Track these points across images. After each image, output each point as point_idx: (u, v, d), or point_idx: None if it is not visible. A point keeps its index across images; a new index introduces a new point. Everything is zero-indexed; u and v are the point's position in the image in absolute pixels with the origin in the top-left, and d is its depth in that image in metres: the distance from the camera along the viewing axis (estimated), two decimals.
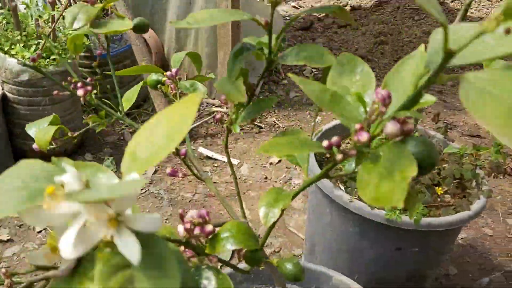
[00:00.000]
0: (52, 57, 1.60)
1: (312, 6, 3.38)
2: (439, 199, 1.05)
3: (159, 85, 0.65)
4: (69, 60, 1.62)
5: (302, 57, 0.45)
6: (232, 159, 1.83)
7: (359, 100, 0.35)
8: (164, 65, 2.41)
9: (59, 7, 1.71)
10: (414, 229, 0.94)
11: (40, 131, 0.62)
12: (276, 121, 2.09)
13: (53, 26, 1.54)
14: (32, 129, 0.64)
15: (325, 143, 0.33)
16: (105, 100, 1.94)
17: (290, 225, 1.52)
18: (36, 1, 1.75)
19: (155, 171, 1.74)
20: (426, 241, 1.01)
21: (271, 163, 1.82)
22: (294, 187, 1.69)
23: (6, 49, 1.58)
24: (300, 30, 2.92)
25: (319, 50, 0.46)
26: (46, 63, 1.57)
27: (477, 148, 1.12)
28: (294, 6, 3.44)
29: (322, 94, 0.35)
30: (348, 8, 3.02)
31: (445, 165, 1.11)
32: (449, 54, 0.28)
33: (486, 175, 1.05)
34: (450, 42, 0.28)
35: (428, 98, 0.34)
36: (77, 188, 0.25)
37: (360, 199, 0.99)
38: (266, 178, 1.74)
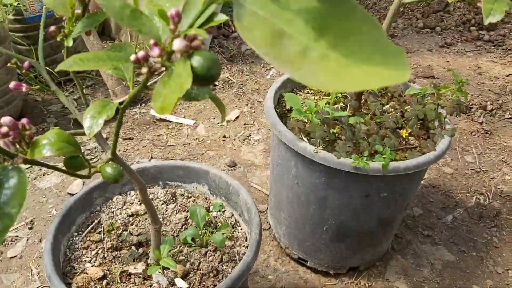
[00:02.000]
0: None
1: None
2: (404, 142, 1.02)
3: None
4: None
5: None
6: (187, 120, 1.75)
7: (161, 17, 0.35)
8: (104, 25, 2.26)
9: None
10: (383, 175, 0.92)
11: None
12: (229, 76, 2.01)
13: None
14: None
15: (132, 57, 0.35)
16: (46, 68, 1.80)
17: (253, 182, 1.48)
18: None
19: (106, 138, 1.65)
20: (394, 185, 0.99)
21: (228, 121, 1.75)
22: (253, 143, 1.64)
23: None
24: None
25: None
26: None
27: (438, 88, 1.10)
28: None
29: (122, 10, 0.37)
30: None
31: (407, 107, 1.08)
32: None
33: (448, 114, 1.03)
34: None
35: (222, 18, 0.35)
36: None
37: (325, 150, 0.96)
38: (224, 136, 1.67)
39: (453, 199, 1.43)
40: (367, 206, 1.02)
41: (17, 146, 0.41)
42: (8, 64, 0.59)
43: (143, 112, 1.79)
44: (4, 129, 0.39)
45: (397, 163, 0.92)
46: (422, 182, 1.49)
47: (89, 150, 1.57)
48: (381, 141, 0.98)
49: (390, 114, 1.05)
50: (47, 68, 1.84)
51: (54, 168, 0.46)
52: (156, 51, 0.34)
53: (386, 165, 0.90)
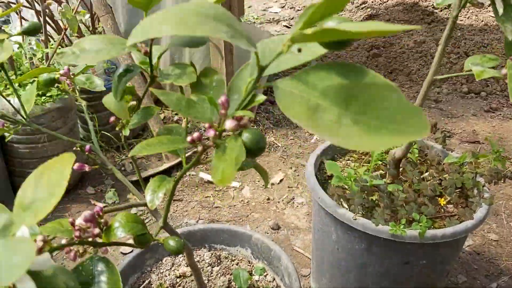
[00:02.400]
0: (48, 94, 1.62)
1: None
2: (442, 210, 1.04)
3: (55, 83, 0.69)
4: (66, 96, 1.64)
5: (175, 75, 0.55)
6: (233, 182, 1.83)
7: (210, 103, 0.42)
8: (160, 87, 2.42)
9: (52, 45, 1.73)
10: (420, 242, 0.94)
11: None
12: (274, 140, 2.10)
13: (47, 64, 1.56)
14: None
15: (188, 138, 0.41)
16: (104, 132, 1.94)
17: (296, 246, 1.51)
18: (29, 40, 1.78)
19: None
20: (433, 252, 1.00)
21: (272, 184, 1.82)
22: (297, 206, 1.69)
23: (1, 89, 1.59)
24: None
25: (186, 69, 0.56)
26: (43, 100, 1.59)
27: (476, 156, 1.13)
28: (286, 26, 3.48)
29: (179, 102, 0.45)
30: None
31: (445, 175, 1.11)
32: (261, 68, 0.38)
33: (487, 182, 1.05)
34: (264, 58, 0.39)
35: (261, 98, 0.41)
36: None
37: (364, 216, 0.99)
38: (268, 199, 1.73)
39: (498, 266, 1.40)
40: (407, 273, 1.03)
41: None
42: (74, 148, 0.69)
43: (193, 175, 1.89)
44: (87, 224, 0.45)
45: (434, 231, 0.94)
46: (466, 248, 1.47)
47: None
48: (419, 208, 1.00)
49: (428, 182, 1.08)
50: (107, 133, 2.00)
51: (126, 244, 0.53)
52: (211, 133, 0.40)
53: (423, 233, 0.92)
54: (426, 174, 1.14)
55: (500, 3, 0.73)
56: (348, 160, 1.25)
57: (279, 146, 2.06)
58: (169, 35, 0.36)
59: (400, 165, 1.13)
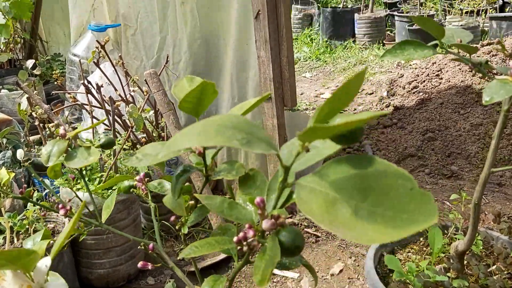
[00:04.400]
0: (114, 187, 1.71)
1: (354, 109, 3.48)
2: None
3: (132, 189, 0.77)
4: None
5: (225, 171, 0.59)
6: (291, 273, 1.80)
7: (251, 203, 0.44)
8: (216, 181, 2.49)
9: (119, 140, 1.87)
10: None
11: (35, 244, 0.69)
12: None
13: (114, 160, 1.67)
14: (28, 244, 0.71)
15: (235, 238, 0.42)
16: (164, 222, 1.99)
17: None
18: (99, 136, 1.92)
19: None
20: None
21: (332, 275, 1.77)
22: None
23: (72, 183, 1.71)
24: None
25: (234, 165, 0.59)
26: (109, 193, 1.68)
27: None
28: None
29: (222, 204, 0.48)
30: (391, 108, 3.09)
31: None
32: (286, 168, 0.41)
33: None
34: (288, 160, 0.41)
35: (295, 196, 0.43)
36: None
37: None
38: None
39: None
40: None
41: None
42: (139, 247, 0.73)
43: (251, 265, 1.88)
44: None
45: None
46: None
47: None
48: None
49: (496, 277, 1.02)
50: (166, 222, 2.06)
51: None
52: (251, 233, 0.42)
53: None
54: (493, 267, 1.08)
55: None
56: (409, 252, 1.22)
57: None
58: (192, 146, 0.41)
59: (464, 258, 1.09)
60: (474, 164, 2.38)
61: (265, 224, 0.41)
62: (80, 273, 1.77)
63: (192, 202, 0.69)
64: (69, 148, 0.60)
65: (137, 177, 0.70)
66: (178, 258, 0.49)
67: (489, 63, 0.93)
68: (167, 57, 2.04)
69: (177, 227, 0.70)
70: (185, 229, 0.69)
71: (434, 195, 2.19)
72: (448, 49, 0.92)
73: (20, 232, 1.58)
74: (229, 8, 2.06)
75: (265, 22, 1.86)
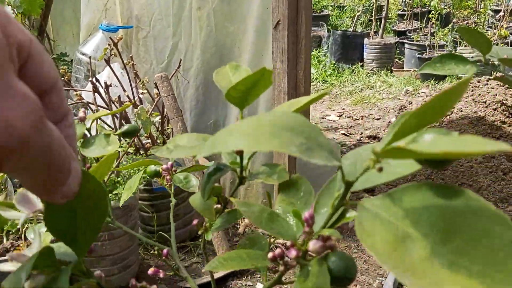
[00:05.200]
0: (114, 192, 1.62)
1: (361, 133, 3.42)
2: None
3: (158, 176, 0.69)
4: (131, 195, 1.64)
5: (264, 174, 0.52)
6: None
7: (295, 217, 0.38)
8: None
9: (122, 143, 1.78)
10: None
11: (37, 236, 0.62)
12: None
13: (117, 163, 1.59)
14: (31, 235, 0.64)
15: (270, 254, 0.38)
16: (162, 233, 1.91)
17: None
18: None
19: None
20: None
21: None
22: None
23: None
24: None
25: (276, 168, 0.52)
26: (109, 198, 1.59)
27: None
28: (344, 134, 3.49)
29: (261, 214, 0.40)
30: None
31: None
32: (348, 184, 0.34)
33: None
34: (350, 174, 0.34)
35: (352, 214, 0.35)
36: None
37: None
38: None
39: None
40: None
41: None
42: (151, 251, 0.65)
43: (249, 285, 1.78)
44: None
45: None
46: None
47: None
48: None
49: None
50: (165, 234, 1.96)
51: None
52: (293, 253, 0.35)
53: None
54: None
55: None
56: None
57: None
58: (236, 149, 0.33)
59: None
60: (485, 197, 2.30)
61: (314, 245, 0.34)
62: (72, 283, 1.66)
63: (219, 205, 0.61)
64: (87, 133, 0.52)
65: (164, 166, 0.62)
66: (204, 269, 0.40)
67: None
68: (180, 61, 1.98)
69: (199, 232, 0.62)
70: (209, 235, 0.61)
71: None
72: (497, 68, 0.85)
73: (11, 232, 1.48)
74: (247, 16, 2.00)
75: (285, 32, 1.80)
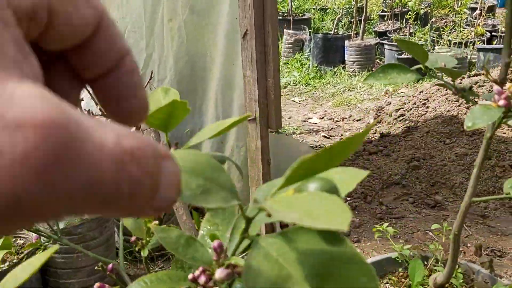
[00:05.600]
0: None
1: (341, 135, 3.47)
2: None
3: None
4: None
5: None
6: None
7: (212, 240, 0.40)
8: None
9: None
10: None
11: None
12: None
13: None
14: None
15: (190, 276, 0.39)
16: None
17: None
18: None
19: None
20: None
21: None
22: None
23: None
24: None
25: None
26: None
27: None
28: (324, 136, 3.54)
29: (178, 239, 0.42)
30: (377, 135, 3.08)
31: None
32: (247, 219, 0.34)
33: None
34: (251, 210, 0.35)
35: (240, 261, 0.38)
36: None
37: None
38: None
39: None
40: None
41: None
42: (96, 268, 0.68)
43: None
44: None
45: None
46: None
47: None
48: None
49: None
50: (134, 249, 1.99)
51: None
52: (202, 279, 0.37)
53: None
54: None
55: None
56: (387, 283, 1.18)
57: None
58: None
59: None
60: (458, 194, 2.36)
61: (219, 274, 0.36)
62: None
63: (157, 223, 0.65)
64: None
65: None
66: None
67: (473, 89, 0.91)
68: (152, 73, 2.01)
69: (136, 249, 0.65)
70: (145, 252, 0.65)
71: (417, 225, 2.16)
72: (433, 74, 0.90)
73: None
74: (217, 27, 2.04)
75: (252, 42, 1.84)
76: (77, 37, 0.19)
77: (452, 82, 0.85)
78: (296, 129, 3.79)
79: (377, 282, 0.29)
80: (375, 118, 3.32)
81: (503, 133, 2.83)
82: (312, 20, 6.31)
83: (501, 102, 0.73)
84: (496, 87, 0.74)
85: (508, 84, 0.74)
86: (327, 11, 6.68)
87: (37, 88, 0.13)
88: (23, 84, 0.13)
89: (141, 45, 2.25)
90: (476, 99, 0.83)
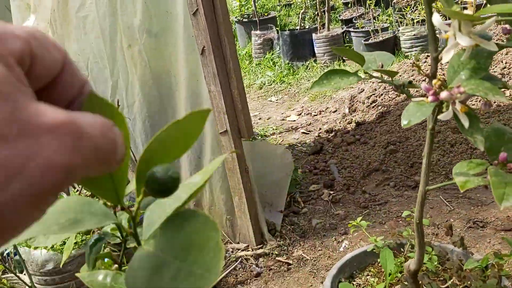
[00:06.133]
0: (74, 240, 1.67)
1: (320, 129, 3.51)
2: None
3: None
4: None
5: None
6: None
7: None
8: None
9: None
10: None
11: None
12: (303, 254, 2.06)
13: None
14: None
15: None
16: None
17: None
18: None
19: None
20: None
21: None
22: None
23: (29, 242, 1.67)
24: (312, 154, 3.00)
25: None
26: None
27: (499, 257, 1.07)
28: (303, 132, 3.58)
29: (104, 281, 0.46)
30: (353, 124, 3.12)
31: (468, 282, 1.06)
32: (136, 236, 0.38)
33: None
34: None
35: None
36: None
37: None
38: None
39: None
40: None
41: None
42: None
43: None
44: None
45: None
46: None
47: None
48: None
49: None
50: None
51: None
52: None
53: None
54: (449, 283, 1.09)
55: (465, 117, 0.75)
56: (368, 275, 1.22)
57: (308, 260, 2.02)
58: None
59: (418, 278, 1.08)
60: (436, 172, 2.41)
61: None
62: None
63: (116, 266, 0.68)
64: None
65: None
66: None
67: (412, 82, 0.95)
68: (118, 101, 2.04)
69: None
70: None
71: (400, 207, 2.21)
72: (372, 74, 0.93)
73: None
74: (176, 46, 2.07)
75: (211, 57, 1.87)
76: (51, 75, 0.25)
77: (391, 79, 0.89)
78: (276, 129, 3.82)
79: (217, 238, 0.31)
80: (349, 108, 3.37)
81: (475, 106, 2.89)
82: (278, 18, 6.35)
83: (430, 98, 0.77)
84: (423, 85, 0.78)
85: (434, 80, 0.78)
86: (292, 6, 6.72)
87: (46, 105, 0.22)
88: (39, 103, 0.21)
89: (105, 74, 2.27)
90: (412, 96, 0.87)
